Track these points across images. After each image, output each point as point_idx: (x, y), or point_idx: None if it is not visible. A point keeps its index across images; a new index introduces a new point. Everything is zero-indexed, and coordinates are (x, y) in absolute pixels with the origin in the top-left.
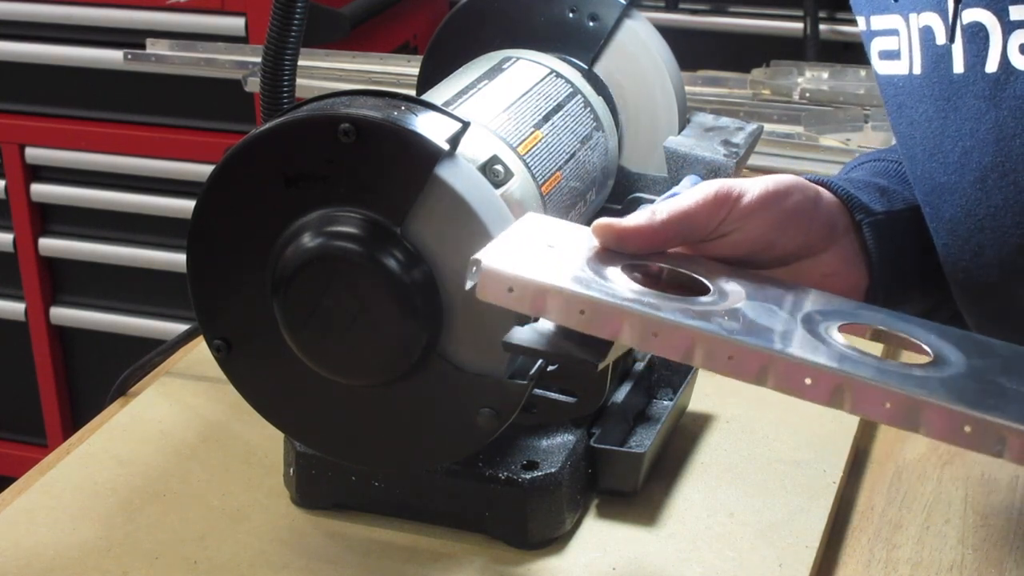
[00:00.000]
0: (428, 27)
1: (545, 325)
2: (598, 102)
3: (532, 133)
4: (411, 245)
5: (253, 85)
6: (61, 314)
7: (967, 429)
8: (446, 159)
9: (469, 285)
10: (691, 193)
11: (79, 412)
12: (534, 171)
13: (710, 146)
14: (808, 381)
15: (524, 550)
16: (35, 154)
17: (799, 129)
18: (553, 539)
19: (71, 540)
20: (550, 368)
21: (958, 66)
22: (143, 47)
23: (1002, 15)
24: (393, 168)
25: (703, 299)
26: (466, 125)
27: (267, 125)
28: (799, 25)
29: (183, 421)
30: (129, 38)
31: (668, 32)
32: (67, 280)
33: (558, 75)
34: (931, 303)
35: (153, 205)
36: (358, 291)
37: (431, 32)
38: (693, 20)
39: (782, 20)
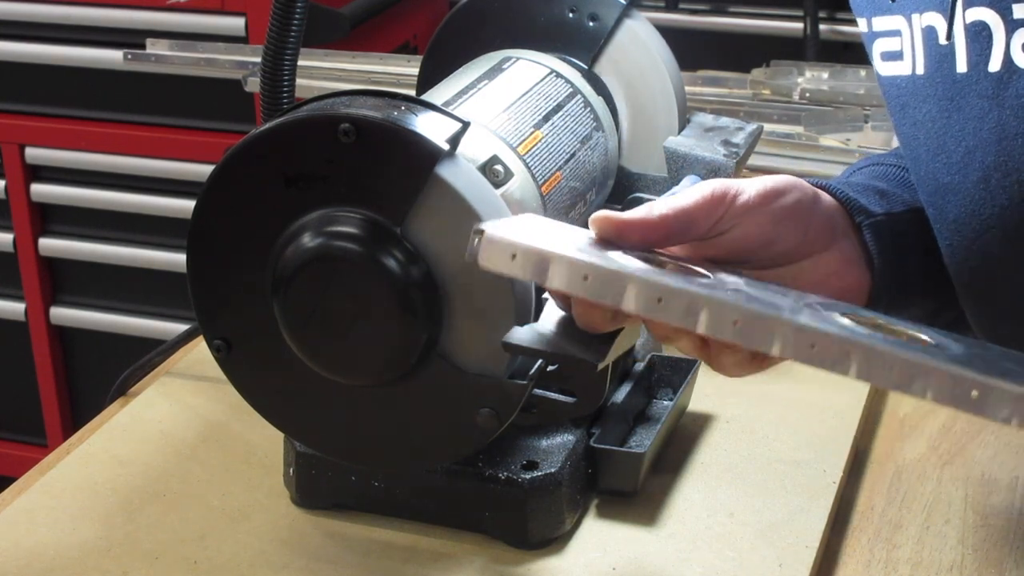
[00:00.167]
0: (428, 27)
1: (545, 325)
2: (598, 102)
3: (532, 133)
4: (411, 245)
5: (253, 85)
6: (61, 314)
7: (974, 394)
8: (446, 159)
9: (470, 255)
10: (689, 192)
11: (79, 412)
12: (534, 171)
13: (710, 146)
14: (814, 346)
15: (524, 550)
16: (35, 154)
17: (799, 129)
18: (553, 539)
19: (71, 540)
20: (550, 368)
21: (961, 66)
22: (143, 47)
23: (1005, 13)
24: (393, 168)
25: (705, 280)
26: (466, 125)
27: (267, 125)
28: (799, 25)
29: (183, 421)
30: (129, 38)
31: (668, 32)
32: (67, 280)
33: (558, 75)
34: (935, 305)
35: (153, 205)
36: (358, 291)
37: (431, 32)
38: (693, 20)
39: (782, 20)
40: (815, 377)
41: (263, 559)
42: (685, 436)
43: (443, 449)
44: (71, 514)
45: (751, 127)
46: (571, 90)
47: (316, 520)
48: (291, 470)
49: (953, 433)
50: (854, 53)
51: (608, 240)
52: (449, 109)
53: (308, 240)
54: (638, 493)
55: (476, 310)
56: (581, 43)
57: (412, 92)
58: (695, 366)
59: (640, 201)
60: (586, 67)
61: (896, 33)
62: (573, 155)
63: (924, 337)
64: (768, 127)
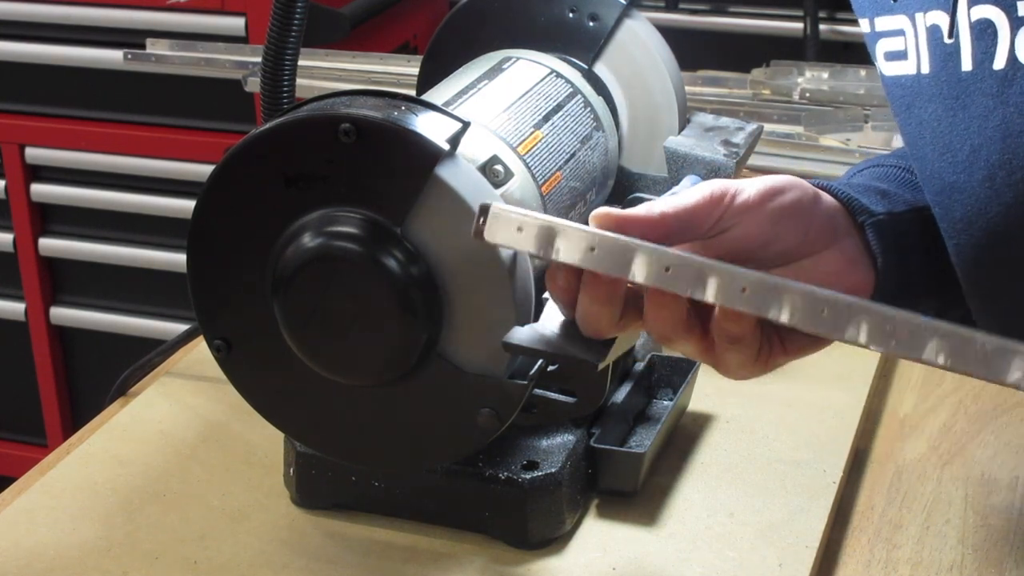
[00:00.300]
0: (428, 27)
1: (545, 325)
2: (598, 102)
3: (532, 133)
4: (411, 245)
5: (253, 85)
6: (61, 314)
7: (987, 347)
8: (446, 159)
9: (475, 232)
10: (689, 192)
11: (79, 412)
12: (534, 171)
13: (710, 146)
14: (824, 311)
15: (524, 550)
16: (35, 154)
17: (799, 129)
18: (553, 539)
19: (71, 540)
20: (550, 368)
21: (966, 64)
22: (143, 47)
23: (1010, 11)
24: (393, 168)
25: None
26: (466, 125)
27: (267, 125)
28: (799, 25)
29: (183, 421)
30: (129, 38)
31: (668, 32)
32: (67, 280)
33: (558, 75)
34: (939, 304)
35: (153, 205)
36: (358, 291)
37: (431, 32)
38: (693, 20)
39: (782, 20)
40: (815, 377)
41: (263, 559)
42: (685, 436)
43: (443, 449)
44: (71, 514)
45: (751, 127)
46: (571, 90)
47: (316, 520)
48: (291, 470)
49: (953, 433)
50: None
51: None
52: (449, 109)
53: (308, 240)
54: (638, 493)
55: (476, 310)
56: (581, 43)
57: (412, 92)
58: (695, 366)
59: (640, 201)
60: (586, 67)
61: (899, 33)
62: (573, 155)
63: None
64: (768, 127)
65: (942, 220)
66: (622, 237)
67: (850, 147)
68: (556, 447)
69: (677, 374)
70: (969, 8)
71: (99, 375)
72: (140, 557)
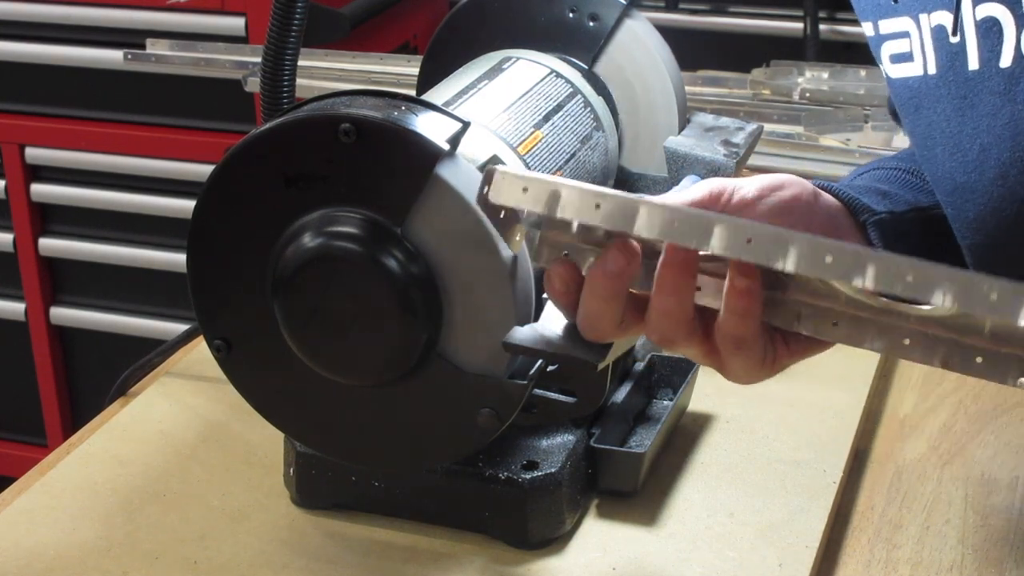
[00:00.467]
0: (428, 27)
1: (545, 325)
2: (598, 102)
3: (532, 133)
4: (411, 245)
5: (253, 85)
6: (61, 314)
7: (993, 297)
8: (446, 159)
9: (479, 197)
10: (688, 190)
11: (79, 412)
12: (534, 171)
13: (710, 146)
14: (829, 257)
15: (524, 550)
16: (35, 154)
17: (799, 129)
18: (553, 539)
19: (71, 540)
20: (550, 368)
21: (973, 63)
22: (143, 47)
23: (1015, 8)
24: (393, 168)
25: None
26: (466, 125)
27: (267, 125)
28: (799, 25)
29: (183, 421)
30: (129, 38)
31: (668, 32)
32: (67, 280)
33: (558, 75)
34: None
35: (153, 205)
36: (358, 291)
37: (431, 32)
38: (693, 20)
39: (782, 20)
40: (815, 377)
41: (263, 559)
42: (685, 436)
43: (443, 449)
44: (71, 514)
45: (751, 127)
46: (571, 90)
47: (316, 520)
48: (291, 470)
49: (953, 433)
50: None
51: None
52: (449, 109)
53: (308, 240)
54: (638, 493)
55: (476, 310)
56: (581, 43)
57: (412, 92)
58: (695, 366)
59: None
60: (586, 67)
61: (904, 35)
62: (573, 155)
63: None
64: (768, 127)
65: (955, 220)
66: (627, 195)
67: (850, 147)
68: (556, 447)
69: (677, 374)
70: (974, 7)
71: (99, 375)
72: (140, 557)
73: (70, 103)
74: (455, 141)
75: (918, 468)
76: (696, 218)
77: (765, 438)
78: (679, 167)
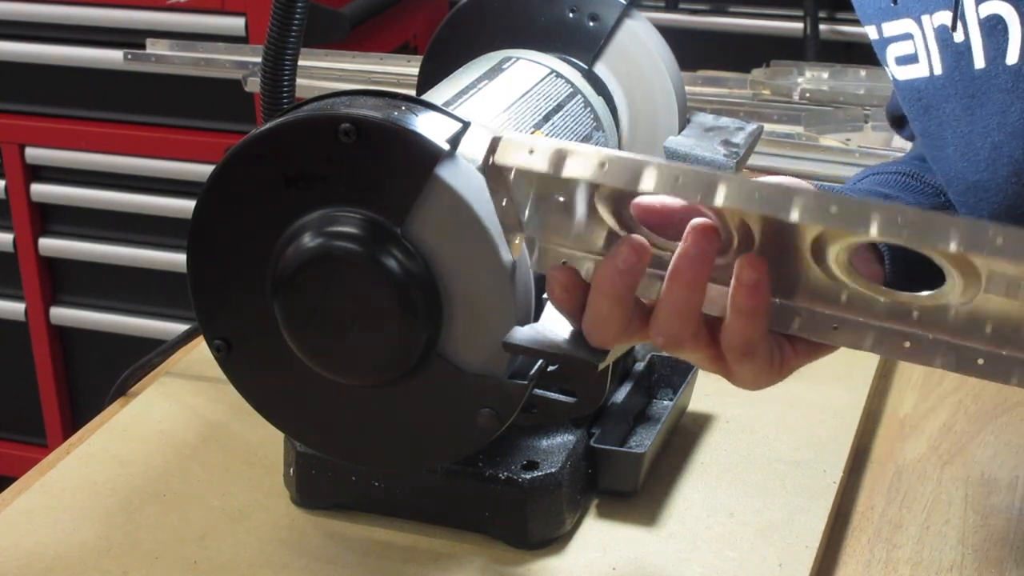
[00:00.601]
0: (428, 27)
1: (545, 325)
2: (598, 102)
3: (532, 133)
4: (411, 245)
5: (253, 85)
6: (61, 314)
7: (999, 240)
8: (446, 159)
9: (483, 163)
10: None
11: (79, 412)
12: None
13: (710, 146)
14: (834, 207)
15: (524, 550)
16: (35, 154)
17: (799, 129)
18: (553, 539)
19: (71, 540)
20: (550, 368)
21: (979, 61)
22: (143, 47)
23: (1019, 5)
24: (393, 168)
25: None
26: (466, 125)
27: (267, 125)
28: (799, 25)
29: (183, 421)
30: (129, 38)
31: (668, 32)
32: (67, 280)
33: (558, 75)
34: None
35: (153, 205)
36: (358, 291)
37: (431, 32)
38: (693, 20)
39: (782, 20)
40: (815, 377)
41: (263, 559)
42: (685, 436)
43: (443, 449)
44: (71, 514)
45: (751, 127)
46: (571, 90)
47: (316, 520)
48: (291, 470)
49: (953, 433)
50: (854, 53)
51: None
52: (449, 109)
53: (308, 240)
54: (638, 493)
55: (476, 310)
56: (581, 43)
57: (412, 92)
58: (695, 366)
59: None
60: (586, 67)
61: (908, 36)
62: None
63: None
64: (768, 127)
65: None
66: (632, 155)
67: (850, 147)
68: (556, 447)
69: (677, 374)
70: (977, 5)
71: (99, 375)
72: (140, 557)
73: (70, 103)
74: (455, 141)
75: (918, 468)
76: (702, 174)
77: (765, 438)
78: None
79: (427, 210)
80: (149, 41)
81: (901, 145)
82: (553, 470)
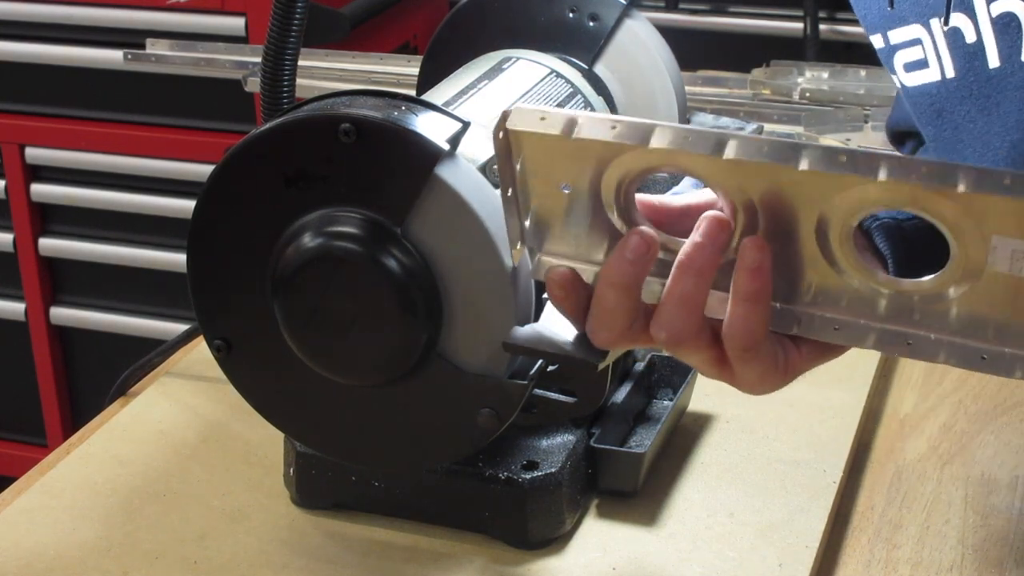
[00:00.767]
0: (428, 27)
1: (545, 325)
2: (598, 102)
3: None
4: (411, 245)
5: (253, 85)
6: (61, 314)
7: (1007, 181)
8: (446, 159)
9: (494, 133)
10: (688, 195)
11: (79, 412)
12: None
13: None
14: (842, 158)
15: (524, 550)
16: (35, 154)
17: (799, 129)
18: (553, 539)
19: (71, 540)
20: (550, 368)
21: (993, 60)
22: (143, 47)
23: None
24: (393, 168)
25: None
26: (466, 125)
27: (267, 125)
28: (799, 25)
29: (183, 421)
30: (129, 38)
31: (668, 32)
32: (67, 280)
33: (558, 75)
34: None
35: (153, 205)
36: (358, 291)
37: (431, 32)
38: (693, 20)
39: (782, 20)
40: (815, 377)
41: (263, 559)
42: (685, 436)
43: (443, 449)
44: (71, 514)
45: (751, 127)
46: (571, 90)
47: (316, 520)
48: (291, 470)
49: (953, 433)
50: (854, 53)
51: None
52: (449, 109)
53: (308, 240)
54: (638, 493)
55: (476, 310)
56: (581, 43)
57: (412, 92)
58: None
59: None
60: (586, 67)
61: (916, 42)
62: None
63: None
64: (768, 127)
65: None
66: (640, 119)
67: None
68: (556, 447)
69: (677, 374)
70: (988, 5)
71: (99, 375)
72: (140, 557)
73: (70, 103)
74: (455, 141)
75: (918, 468)
76: (710, 132)
77: (765, 438)
78: None
79: (427, 210)
80: (149, 41)
81: None
82: (553, 470)
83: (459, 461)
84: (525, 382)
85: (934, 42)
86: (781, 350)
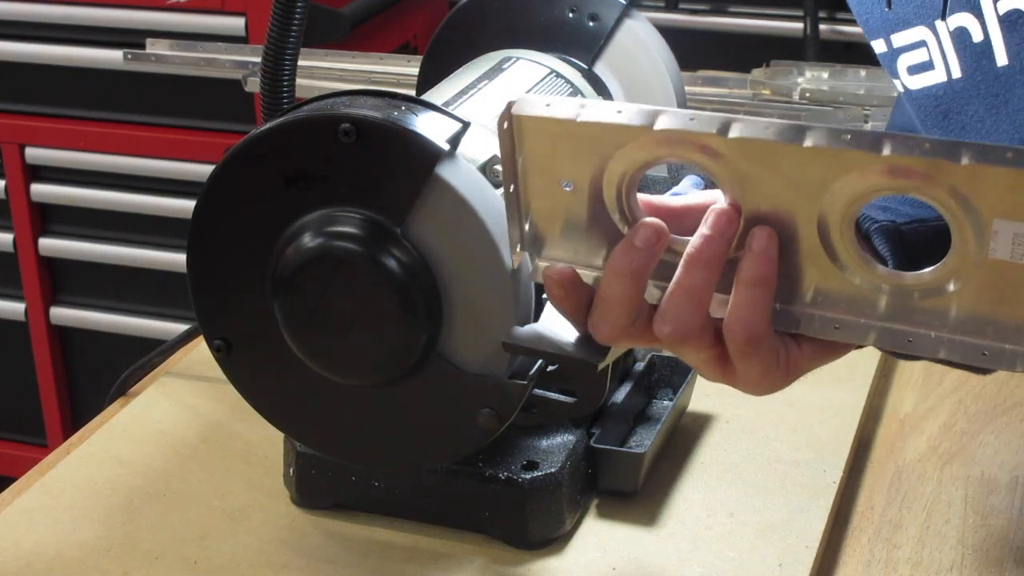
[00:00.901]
0: (428, 27)
1: (545, 325)
2: None
3: None
4: (411, 245)
5: (253, 85)
6: (61, 314)
7: (1009, 155)
8: (446, 159)
9: (499, 120)
10: (697, 193)
11: (79, 412)
12: None
13: None
14: (847, 137)
15: (524, 550)
16: (35, 154)
17: None
18: (553, 539)
19: (71, 540)
20: (550, 368)
21: (1001, 58)
22: (143, 47)
23: None
24: (393, 168)
25: None
26: (466, 125)
27: (267, 125)
28: (799, 25)
29: (183, 421)
30: (129, 38)
31: (668, 32)
32: (67, 280)
33: (558, 75)
34: None
35: (153, 205)
36: (358, 291)
37: (431, 32)
38: (693, 20)
39: (782, 20)
40: (815, 377)
41: (263, 559)
42: (685, 436)
43: (443, 449)
44: (71, 514)
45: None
46: (571, 90)
47: (316, 520)
48: (291, 470)
49: (953, 433)
50: (854, 53)
51: None
52: (449, 109)
53: (308, 240)
54: (638, 493)
55: (476, 310)
56: (581, 43)
57: (412, 92)
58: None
59: None
60: (586, 67)
61: (921, 44)
62: None
63: None
64: None
65: None
66: (645, 105)
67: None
68: (556, 447)
69: (677, 374)
70: (995, 3)
71: (99, 375)
72: (140, 557)
73: (70, 103)
74: (455, 141)
75: (918, 468)
76: (715, 115)
77: (765, 438)
78: (679, 167)
79: (427, 210)
80: (149, 41)
81: None
82: (553, 470)
83: (459, 461)
84: (525, 382)
85: (939, 43)
86: (783, 347)
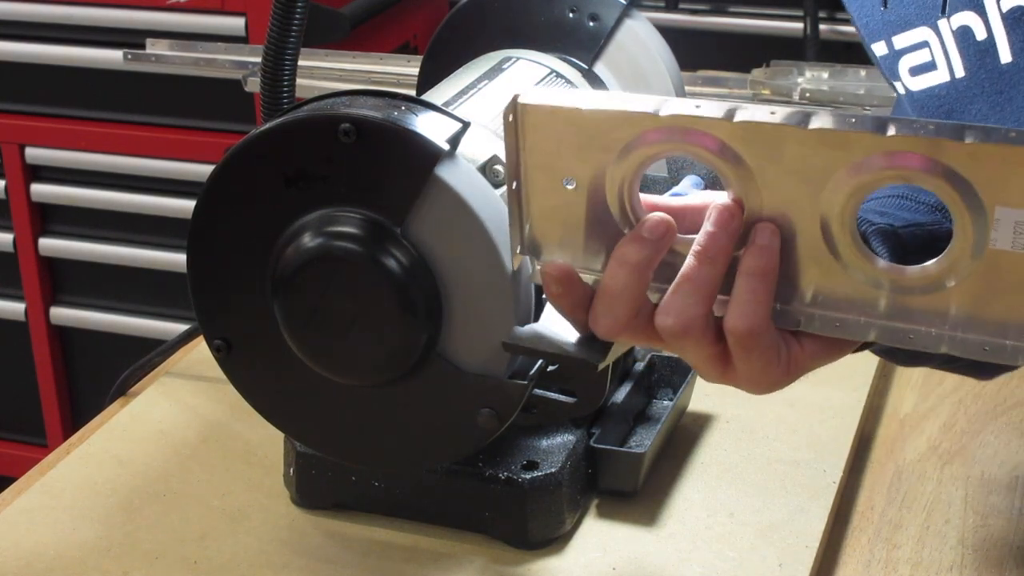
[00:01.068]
0: (428, 27)
1: (545, 325)
2: None
3: None
4: (411, 245)
5: (253, 85)
6: (61, 314)
7: (1011, 136)
8: (446, 159)
9: (505, 112)
10: (697, 194)
11: (79, 412)
12: None
13: None
14: (853, 120)
15: (524, 550)
16: (35, 154)
17: None
18: (553, 539)
19: (71, 540)
20: (550, 368)
21: (1005, 56)
22: (143, 47)
23: None
24: (393, 168)
25: None
26: (466, 125)
27: (267, 125)
28: (799, 25)
29: (183, 421)
30: (129, 38)
31: (668, 32)
32: (67, 280)
33: (558, 75)
34: None
35: (153, 205)
36: (358, 291)
37: (431, 32)
38: (693, 20)
39: (782, 20)
40: (815, 377)
41: (263, 559)
42: (685, 436)
43: (443, 449)
44: (71, 514)
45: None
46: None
47: (316, 520)
48: (291, 470)
49: (953, 433)
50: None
51: None
52: (449, 109)
53: (308, 240)
54: (638, 493)
55: (476, 310)
56: (581, 43)
57: (412, 92)
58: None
59: None
60: (586, 67)
61: (923, 45)
62: None
63: None
64: None
65: None
66: (647, 96)
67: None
68: (556, 447)
69: (677, 374)
70: (998, 0)
71: (99, 375)
72: (140, 557)
73: (70, 103)
74: (455, 141)
75: (918, 468)
76: (723, 104)
77: (765, 438)
78: (679, 167)
79: (427, 210)
80: (149, 41)
81: None
82: (553, 470)
83: (459, 461)
84: (525, 382)
85: (942, 43)
86: (783, 345)
